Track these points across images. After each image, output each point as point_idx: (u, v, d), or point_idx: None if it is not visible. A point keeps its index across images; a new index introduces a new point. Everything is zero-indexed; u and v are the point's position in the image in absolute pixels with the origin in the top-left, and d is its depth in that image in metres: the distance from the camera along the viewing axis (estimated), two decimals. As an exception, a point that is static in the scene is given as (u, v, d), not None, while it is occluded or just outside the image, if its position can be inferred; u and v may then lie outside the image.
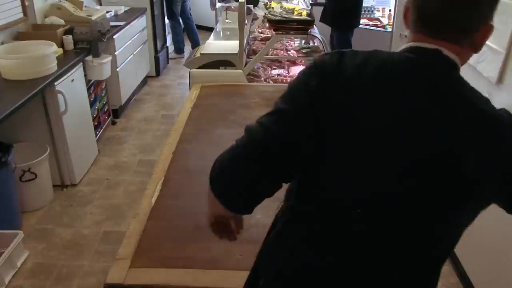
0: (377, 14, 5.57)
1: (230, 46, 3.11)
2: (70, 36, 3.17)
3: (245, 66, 2.99)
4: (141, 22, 4.57)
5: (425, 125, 0.80)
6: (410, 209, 0.83)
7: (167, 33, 5.65)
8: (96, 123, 3.53)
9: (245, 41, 3.04)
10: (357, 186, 0.85)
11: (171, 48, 5.85)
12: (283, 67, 3.41)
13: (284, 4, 3.53)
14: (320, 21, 4.39)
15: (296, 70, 3.31)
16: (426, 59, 0.84)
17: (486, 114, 0.81)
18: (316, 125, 0.84)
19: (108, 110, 3.93)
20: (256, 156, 0.87)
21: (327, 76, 0.85)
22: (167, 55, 5.63)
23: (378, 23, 5.30)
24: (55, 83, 2.74)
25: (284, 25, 2.93)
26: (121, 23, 3.94)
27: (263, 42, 3.74)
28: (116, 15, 4.25)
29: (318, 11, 4.34)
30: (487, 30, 0.83)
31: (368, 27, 5.13)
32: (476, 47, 0.85)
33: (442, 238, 0.88)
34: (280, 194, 1.64)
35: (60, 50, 3.07)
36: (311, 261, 0.92)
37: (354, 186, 0.85)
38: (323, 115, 0.84)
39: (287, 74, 3.26)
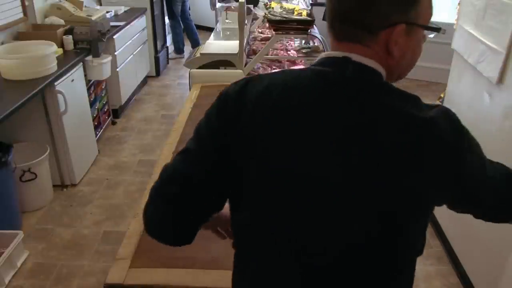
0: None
1: (230, 46, 3.11)
2: (70, 36, 3.17)
3: (245, 66, 2.98)
4: (141, 22, 4.57)
5: (350, 148, 0.72)
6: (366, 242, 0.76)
7: (167, 33, 5.65)
8: (96, 123, 3.53)
9: (245, 41, 3.03)
10: (279, 225, 0.79)
11: (171, 48, 5.85)
12: (283, 67, 3.40)
13: (284, 4, 3.53)
14: (323, 19, 4.39)
15: (296, 70, 3.30)
16: (337, 70, 0.77)
17: (417, 119, 0.73)
18: (226, 162, 0.79)
19: (108, 110, 3.93)
20: (169, 196, 0.83)
21: (228, 108, 0.80)
22: (167, 55, 5.63)
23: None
24: (55, 83, 2.74)
25: (284, 25, 2.92)
26: (121, 23, 3.94)
27: (263, 42, 3.73)
28: (116, 15, 4.26)
29: (318, 11, 4.34)
30: (398, 31, 0.74)
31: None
32: (390, 52, 0.76)
33: (400, 251, 0.81)
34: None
35: (60, 50, 3.07)
36: None
37: (275, 225, 0.80)
38: (233, 151, 0.79)
39: (287, 74, 3.25)
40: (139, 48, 4.50)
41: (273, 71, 0.84)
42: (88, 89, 3.35)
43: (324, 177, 0.74)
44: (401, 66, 0.80)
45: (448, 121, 0.75)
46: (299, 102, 0.76)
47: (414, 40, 0.78)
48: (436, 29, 0.79)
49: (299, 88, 0.78)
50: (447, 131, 0.74)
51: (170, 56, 5.73)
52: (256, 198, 0.80)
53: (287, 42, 3.81)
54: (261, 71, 3.27)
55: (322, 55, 0.81)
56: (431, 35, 0.81)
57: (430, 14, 0.78)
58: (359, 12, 0.74)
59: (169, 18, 5.55)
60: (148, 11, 4.76)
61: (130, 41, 4.20)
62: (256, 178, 0.78)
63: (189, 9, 5.83)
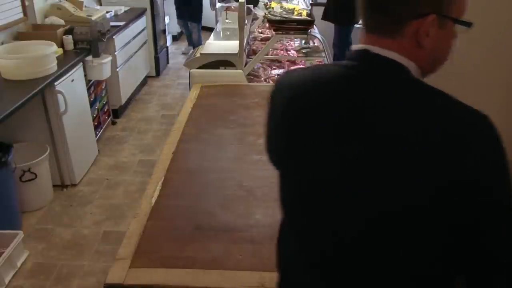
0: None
1: (230, 46, 3.11)
2: (70, 36, 3.17)
3: (245, 66, 2.98)
4: (141, 22, 4.57)
5: (351, 142, 0.72)
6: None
7: (167, 33, 5.65)
8: (96, 123, 3.53)
9: (245, 41, 3.03)
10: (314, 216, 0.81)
11: (171, 48, 5.83)
12: (283, 67, 3.41)
13: (284, 4, 3.53)
14: (322, 19, 4.42)
15: (296, 70, 3.31)
16: (355, 64, 0.77)
17: (439, 116, 0.69)
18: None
19: (108, 110, 3.93)
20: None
21: (270, 98, 0.93)
22: (167, 55, 5.62)
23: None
24: (55, 83, 2.74)
25: (284, 25, 2.92)
26: (121, 23, 3.94)
27: (263, 42, 3.73)
28: (116, 15, 4.26)
29: (318, 11, 4.34)
30: (429, 22, 0.71)
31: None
32: (421, 44, 0.73)
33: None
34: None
35: (60, 50, 3.07)
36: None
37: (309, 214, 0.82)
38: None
39: (287, 74, 3.25)
40: (139, 48, 4.50)
41: (301, 66, 0.88)
42: (88, 89, 3.35)
43: (325, 170, 0.76)
44: (431, 60, 0.77)
45: (486, 130, 0.67)
46: (318, 96, 0.79)
47: (446, 33, 0.74)
48: (467, 23, 0.74)
49: (319, 83, 0.81)
50: (481, 141, 0.66)
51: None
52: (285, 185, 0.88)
53: (287, 42, 3.81)
54: (261, 71, 3.27)
55: (352, 47, 0.81)
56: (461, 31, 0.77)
57: (464, 8, 0.75)
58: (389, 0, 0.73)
59: (198, 22, 5.52)
60: (148, 11, 4.76)
61: (130, 41, 4.20)
62: (284, 164, 0.87)
63: None
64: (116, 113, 4.09)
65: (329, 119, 0.76)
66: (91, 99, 3.42)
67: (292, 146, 0.81)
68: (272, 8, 3.31)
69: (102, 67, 3.32)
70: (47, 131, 2.87)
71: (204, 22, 6.77)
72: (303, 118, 0.79)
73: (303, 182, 0.80)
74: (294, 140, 0.81)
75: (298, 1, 4.29)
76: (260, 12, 3.70)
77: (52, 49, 2.78)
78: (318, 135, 0.77)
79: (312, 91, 0.80)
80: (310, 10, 3.82)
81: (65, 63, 2.92)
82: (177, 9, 5.58)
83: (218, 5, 4.65)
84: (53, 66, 2.76)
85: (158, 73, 5.18)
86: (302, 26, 2.91)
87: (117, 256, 1.35)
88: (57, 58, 2.86)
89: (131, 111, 4.29)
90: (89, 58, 3.24)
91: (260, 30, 4.14)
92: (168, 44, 5.70)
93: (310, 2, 4.74)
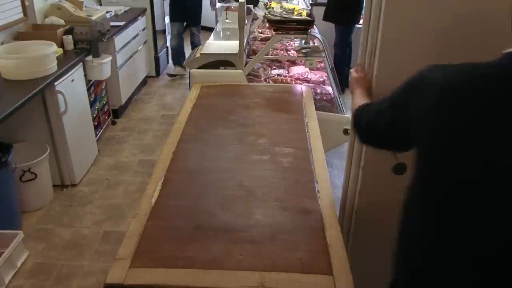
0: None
1: (230, 46, 3.11)
2: (70, 36, 3.18)
3: (245, 66, 2.98)
4: (141, 22, 4.57)
5: None
6: None
7: (167, 33, 5.65)
8: (96, 123, 3.54)
9: (245, 41, 3.03)
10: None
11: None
12: (283, 67, 3.41)
13: (284, 4, 3.53)
14: (323, 19, 4.43)
15: (296, 70, 3.31)
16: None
17: None
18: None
19: (108, 110, 3.93)
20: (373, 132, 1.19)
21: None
22: (167, 55, 5.61)
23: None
24: (55, 83, 2.74)
25: (284, 25, 2.92)
26: (121, 23, 3.94)
27: (263, 42, 3.74)
28: (116, 15, 4.26)
29: (318, 11, 4.35)
30: None
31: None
32: None
33: None
34: (279, 195, 1.64)
35: (60, 50, 3.07)
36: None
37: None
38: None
39: (287, 74, 3.26)
40: (139, 48, 4.50)
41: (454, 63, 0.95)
42: (88, 89, 3.35)
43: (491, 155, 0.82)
44: None
45: None
46: (478, 88, 0.84)
47: None
48: None
49: (478, 77, 0.85)
50: None
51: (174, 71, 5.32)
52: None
53: (287, 42, 3.81)
54: (261, 71, 3.27)
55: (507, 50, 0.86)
56: None
57: None
58: None
59: (199, 25, 5.35)
60: (148, 11, 4.76)
61: (130, 41, 4.20)
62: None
63: None
64: (116, 113, 4.09)
65: (490, 111, 0.81)
66: (91, 99, 3.43)
67: (448, 130, 0.85)
68: (272, 8, 3.31)
69: (102, 67, 3.32)
70: (47, 131, 2.87)
71: (204, 22, 6.77)
72: (462, 108, 0.83)
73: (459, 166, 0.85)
74: (450, 125, 0.85)
75: (298, 1, 4.30)
76: (260, 12, 3.70)
77: (52, 49, 2.78)
78: (477, 124, 0.82)
79: (472, 84, 0.84)
80: (310, 10, 3.82)
81: (65, 63, 2.93)
82: (172, 11, 5.11)
83: (218, 5, 4.65)
84: (53, 66, 2.76)
85: (158, 73, 5.17)
86: (302, 26, 2.91)
87: (117, 256, 1.35)
88: (57, 58, 2.86)
89: (131, 111, 4.29)
90: (89, 58, 3.25)
91: (260, 30, 4.14)
92: (168, 44, 5.69)
93: (310, 2, 4.75)
